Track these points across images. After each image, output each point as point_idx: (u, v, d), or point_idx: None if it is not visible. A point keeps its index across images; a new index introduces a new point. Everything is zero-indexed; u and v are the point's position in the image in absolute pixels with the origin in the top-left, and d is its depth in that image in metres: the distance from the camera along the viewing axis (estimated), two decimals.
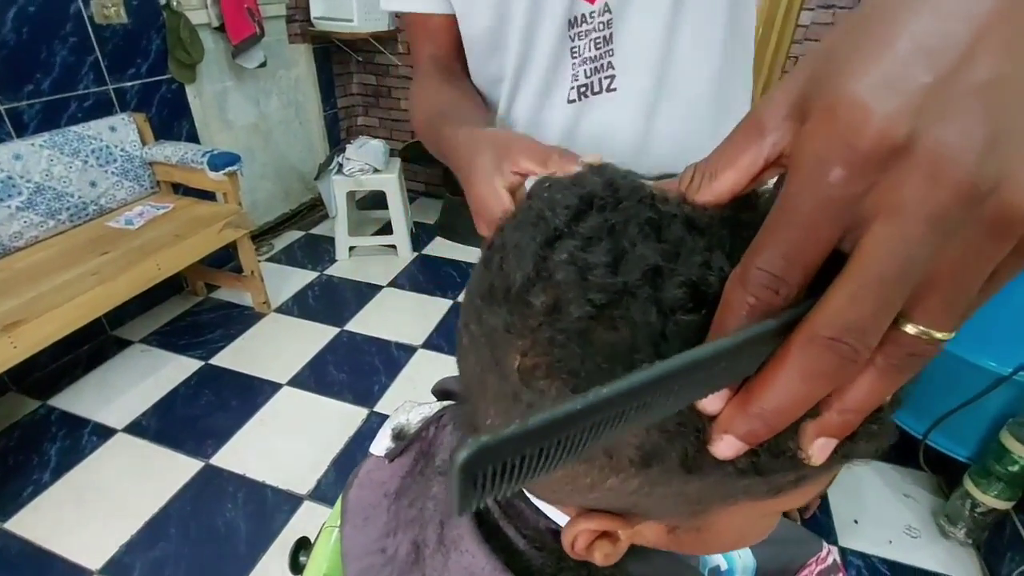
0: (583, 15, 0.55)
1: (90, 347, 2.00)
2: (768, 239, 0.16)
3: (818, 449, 0.18)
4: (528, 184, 0.42)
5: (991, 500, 1.29)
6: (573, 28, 0.56)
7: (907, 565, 1.36)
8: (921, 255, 0.14)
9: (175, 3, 2.05)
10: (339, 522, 0.46)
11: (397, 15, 0.60)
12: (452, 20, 0.62)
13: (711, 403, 0.18)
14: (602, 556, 0.27)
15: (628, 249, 0.20)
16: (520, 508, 0.32)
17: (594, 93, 0.59)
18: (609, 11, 0.54)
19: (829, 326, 0.15)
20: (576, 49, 0.57)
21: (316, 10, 2.67)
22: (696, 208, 0.20)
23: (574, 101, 0.59)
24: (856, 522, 1.45)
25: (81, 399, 1.80)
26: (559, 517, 0.31)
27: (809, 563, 0.48)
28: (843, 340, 0.15)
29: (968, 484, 1.33)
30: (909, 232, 0.14)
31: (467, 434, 0.36)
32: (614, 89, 0.58)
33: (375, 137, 2.63)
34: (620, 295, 0.19)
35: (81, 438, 1.65)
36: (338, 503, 0.49)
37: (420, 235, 2.89)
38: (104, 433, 1.67)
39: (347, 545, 0.39)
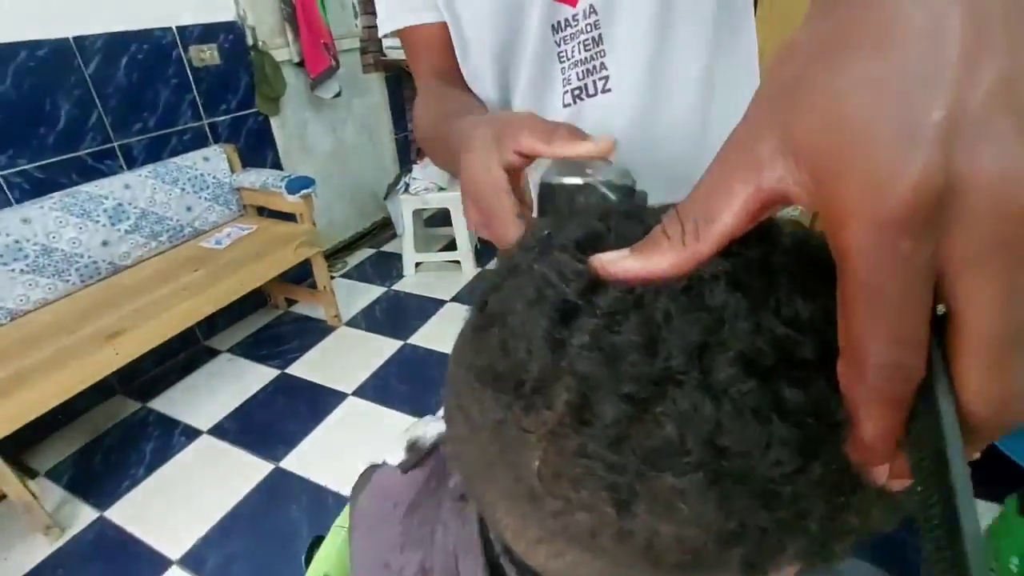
0: (566, 19, 0.54)
1: (185, 356, 2.21)
2: (864, 332, 0.14)
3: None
4: (532, 173, 0.37)
5: None
6: (558, 33, 0.55)
7: None
8: None
9: (261, 44, 2.25)
10: (347, 524, 0.47)
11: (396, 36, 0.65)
12: (445, 28, 0.62)
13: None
14: None
15: (662, 323, 0.16)
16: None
17: (589, 96, 0.58)
18: (595, 12, 0.53)
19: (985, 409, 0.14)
20: (563, 53, 0.56)
21: (388, 40, 2.83)
22: (720, 261, 0.17)
23: (569, 105, 0.58)
24: None
25: (174, 402, 1.98)
26: None
27: None
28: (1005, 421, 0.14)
29: None
30: (1007, 286, 0.12)
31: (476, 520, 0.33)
32: (609, 90, 0.57)
33: None
34: (662, 385, 0.16)
35: (172, 438, 1.82)
36: (347, 507, 0.51)
37: (483, 251, 2.94)
38: (191, 434, 1.84)
39: (354, 552, 0.39)
